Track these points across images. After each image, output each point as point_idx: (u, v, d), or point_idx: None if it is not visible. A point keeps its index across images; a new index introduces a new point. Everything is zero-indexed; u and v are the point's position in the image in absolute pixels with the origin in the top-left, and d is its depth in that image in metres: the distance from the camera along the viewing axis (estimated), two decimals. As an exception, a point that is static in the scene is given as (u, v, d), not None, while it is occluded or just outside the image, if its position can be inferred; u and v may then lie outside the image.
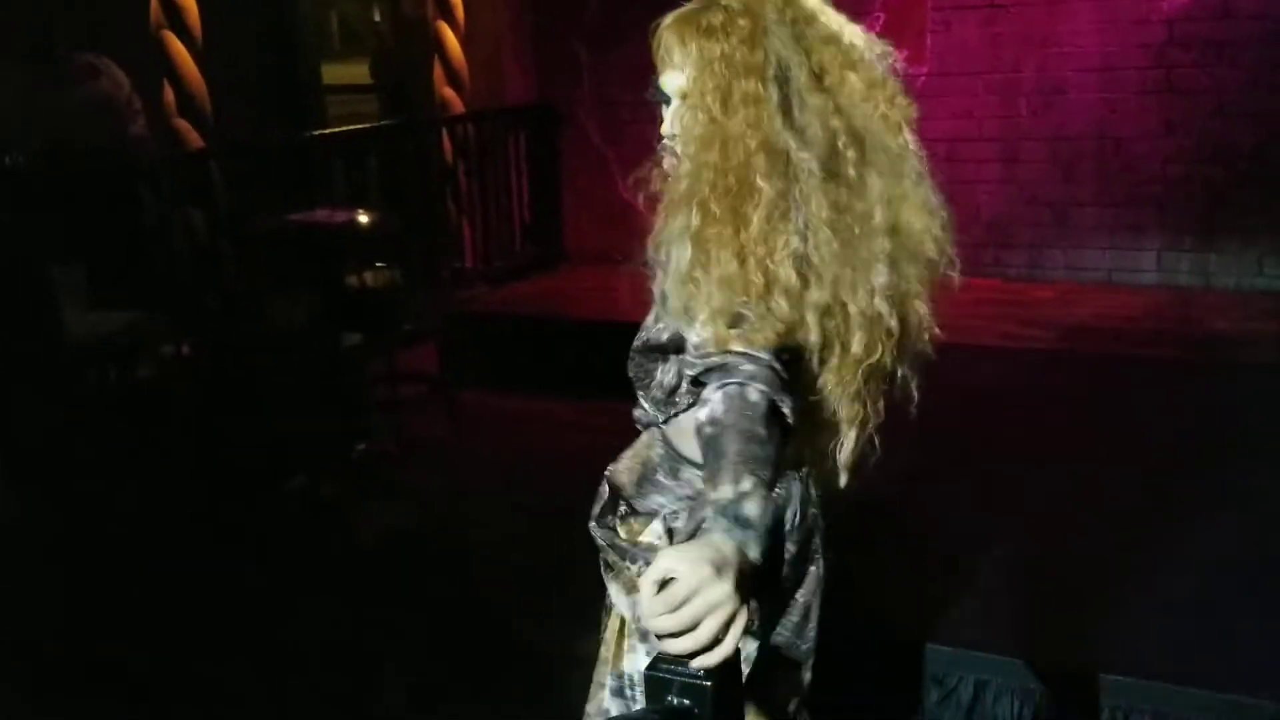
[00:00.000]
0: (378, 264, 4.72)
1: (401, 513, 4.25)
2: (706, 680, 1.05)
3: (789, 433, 1.32)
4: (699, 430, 1.31)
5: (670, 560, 1.08)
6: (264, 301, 4.77)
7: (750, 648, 1.60)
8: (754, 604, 1.10)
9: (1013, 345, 4.74)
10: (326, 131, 5.84)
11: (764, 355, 1.34)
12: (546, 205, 6.62)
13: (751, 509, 1.16)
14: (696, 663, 1.06)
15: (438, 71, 6.19)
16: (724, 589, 1.06)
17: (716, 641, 1.05)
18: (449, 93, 6.19)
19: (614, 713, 1.70)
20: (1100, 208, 5.55)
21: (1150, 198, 5.45)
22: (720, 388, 1.31)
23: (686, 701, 1.05)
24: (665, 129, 1.55)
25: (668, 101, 1.55)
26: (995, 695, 2.51)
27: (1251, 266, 5.32)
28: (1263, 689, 2.34)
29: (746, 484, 1.18)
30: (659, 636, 1.07)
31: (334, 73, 8.62)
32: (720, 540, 1.11)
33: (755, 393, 1.29)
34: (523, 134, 6.46)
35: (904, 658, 2.60)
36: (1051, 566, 2.90)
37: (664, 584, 1.07)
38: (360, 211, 4.66)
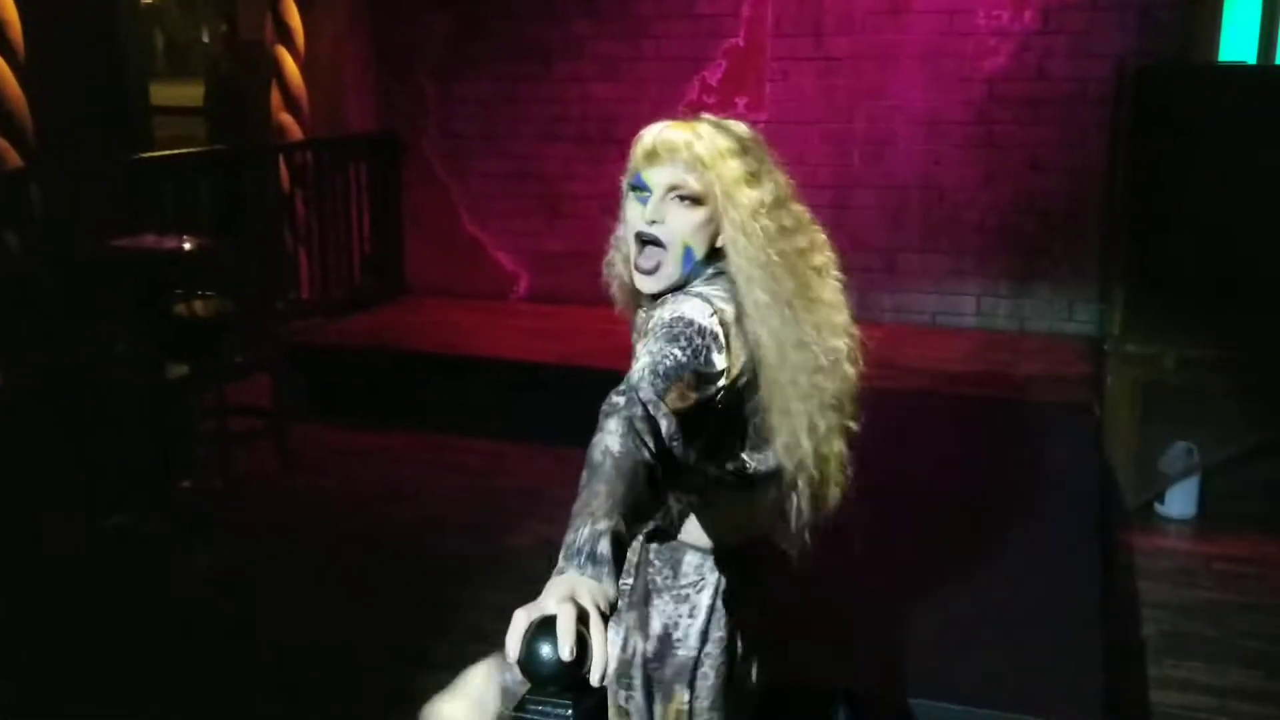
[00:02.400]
0: (207, 293, 4.56)
1: (228, 551, 4.11)
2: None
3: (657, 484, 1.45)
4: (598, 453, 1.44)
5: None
6: (85, 329, 4.56)
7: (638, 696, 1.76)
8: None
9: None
10: (156, 154, 5.63)
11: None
12: (387, 236, 6.54)
13: (604, 547, 1.27)
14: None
15: (275, 97, 6.06)
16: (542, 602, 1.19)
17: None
18: (286, 118, 6.06)
19: None
20: (925, 254, 5.82)
21: (970, 246, 5.74)
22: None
23: None
24: (649, 216, 1.73)
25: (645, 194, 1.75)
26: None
27: (1063, 312, 5.65)
28: (1054, 710, 2.47)
29: (603, 524, 1.30)
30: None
31: (165, 94, 8.34)
32: (573, 576, 1.24)
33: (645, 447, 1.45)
34: (364, 163, 6.37)
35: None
36: (863, 595, 3.00)
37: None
38: (189, 238, 4.51)
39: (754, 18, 5.83)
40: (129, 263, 4.38)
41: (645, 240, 1.74)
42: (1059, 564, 3.22)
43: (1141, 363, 4.31)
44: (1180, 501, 4.30)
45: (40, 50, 4.91)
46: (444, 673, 3.19)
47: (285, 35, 6.02)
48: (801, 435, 1.73)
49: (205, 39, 10.29)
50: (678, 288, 1.75)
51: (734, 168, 1.72)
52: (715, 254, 1.76)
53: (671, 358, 1.57)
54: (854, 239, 5.80)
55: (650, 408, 1.48)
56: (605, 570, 1.24)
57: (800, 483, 1.78)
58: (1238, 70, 4.97)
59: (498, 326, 5.85)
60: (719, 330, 1.65)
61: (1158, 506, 4.33)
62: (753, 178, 1.73)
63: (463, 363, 5.30)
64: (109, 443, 4.25)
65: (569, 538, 1.29)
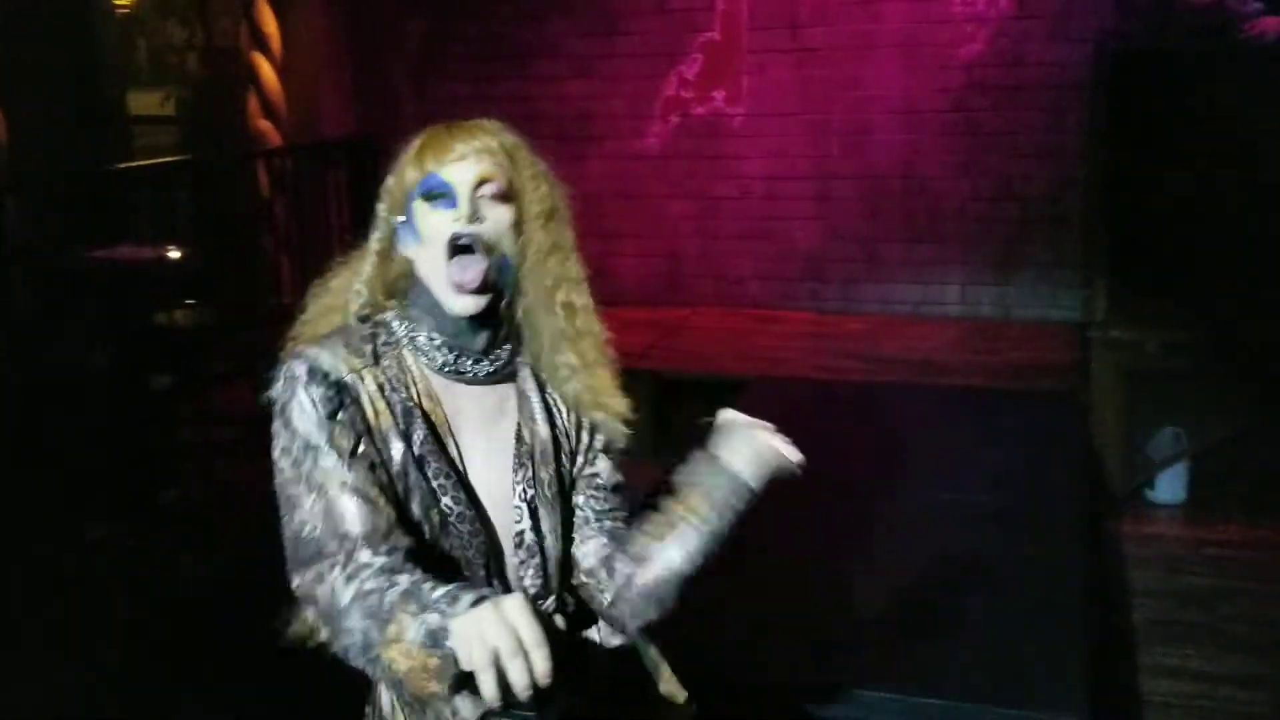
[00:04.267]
0: (187, 302, 4.53)
1: (213, 560, 4.08)
2: None
3: None
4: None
5: None
6: (65, 342, 4.52)
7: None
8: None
9: (827, 376, 4.89)
10: (133, 164, 5.59)
11: None
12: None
13: None
14: None
15: (253, 103, 6.02)
16: None
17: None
18: (265, 125, 6.02)
19: None
20: (906, 244, 5.81)
21: (952, 234, 5.73)
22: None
23: None
24: (467, 213, 1.42)
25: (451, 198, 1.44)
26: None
27: (1047, 299, 5.65)
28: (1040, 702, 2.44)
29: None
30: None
31: (141, 102, 8.28)
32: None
33: None
34: (343, 168, 6.33)
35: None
36: (846, 586, 2.98)
37: None
38: (168, 248, 4.48)
39: (729, 11, 5.81)
40: (108, 274, 4.35)
41: (461, 248, 1.40)
42: (1047, 552, 3.21)
43: (1126, 348, 4.31)
44: (1169, 487, 4.30)
45: (14, 60, 4.87)
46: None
47: (260, 41, 5.97)
48: None
49: (187, 48, 10.16)
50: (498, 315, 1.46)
51: (528, 160, 1.46)
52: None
53: None
54: (835, 230, 5.79)
55: None
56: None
57: None
58: (1215, 53, 4.97)
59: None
60: None
61: (1146, 492, 4.33)
62: (540, 177, 1.47)
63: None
64: (92, 454, 4.21)
65: None
